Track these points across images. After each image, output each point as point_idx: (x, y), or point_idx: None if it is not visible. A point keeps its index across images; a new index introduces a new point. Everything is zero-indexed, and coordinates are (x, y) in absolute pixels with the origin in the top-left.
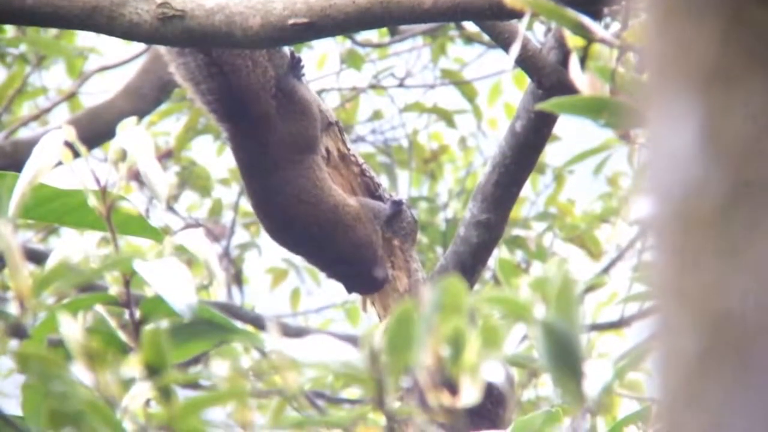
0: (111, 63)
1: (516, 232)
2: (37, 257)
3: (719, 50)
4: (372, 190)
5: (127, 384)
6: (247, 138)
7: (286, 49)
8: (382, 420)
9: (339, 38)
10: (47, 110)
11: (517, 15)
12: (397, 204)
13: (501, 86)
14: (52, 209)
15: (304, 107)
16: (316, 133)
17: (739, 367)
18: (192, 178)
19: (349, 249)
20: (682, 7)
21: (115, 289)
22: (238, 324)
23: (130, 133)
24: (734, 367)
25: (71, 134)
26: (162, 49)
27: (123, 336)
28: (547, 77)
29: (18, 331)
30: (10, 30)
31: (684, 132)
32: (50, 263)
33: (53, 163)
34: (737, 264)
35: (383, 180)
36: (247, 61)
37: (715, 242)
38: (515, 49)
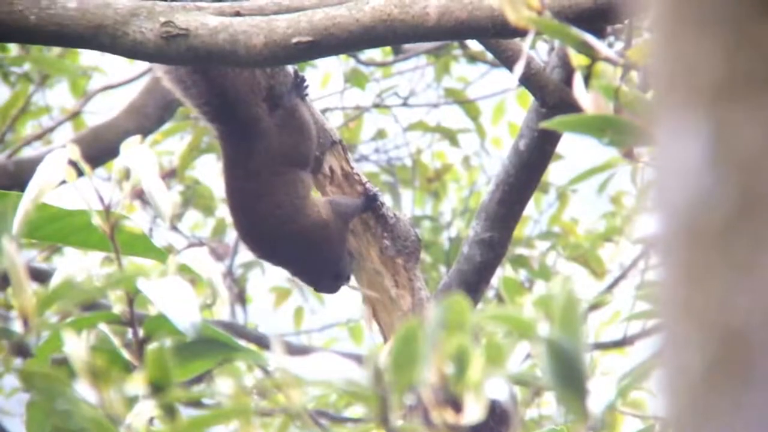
0: (115, 82)
1: (519, 251)
2: (40, 276)
3: (725, 66)
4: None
5: (131, 402)
6: (234, 138)
7: (290, 68)
8: None
9: (342, 57)
10: (51, 129)
11: (521, 33)
12: (372, 199)
13: (505, 105)
14: (57, 229)
15: (302, 125)
16: (307, 151)
17: (744, 384)
18: (196, 198)
19: (315, 264)
20: (687, 24)
21: (118, 308)
22: (242, 343)
23: (133, 152)
24: (740, 383)
25: (75, 153)
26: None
27: (127, 354)
28: (551, 96)
29: (22, 349)
30: (13, 49)
31: (691, 147)
32: (54, 282)
33: (57, 183)
34: (744, 279)
35: (387, 199)
36: None
37: (722, 257)
38: (519, 67)
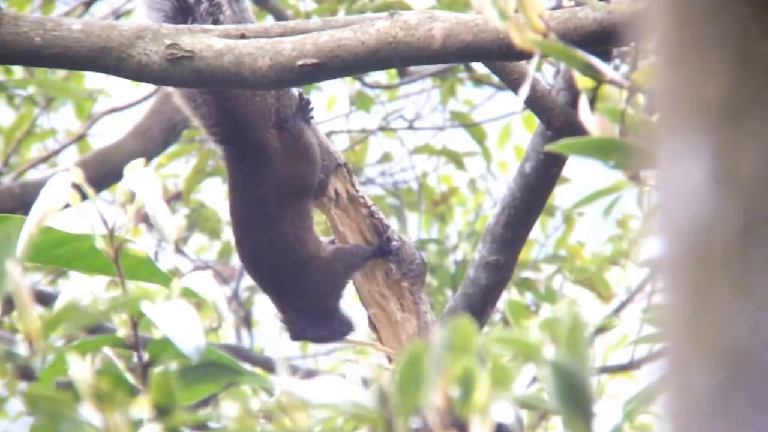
0: (120, 105)
1: (525, 274)
2: (45, 299)
3: (728, 88)
4: (380, 232)
5: (135, 426)
6: (242, 162)
7: (295, 91)
8: None
9: (348, 80)
10: (56, 152)
11: (527, 56)
12: (386, 250)
13: (511, 128)
14: (62, 254)
15: (308, 151)
16: (312, 177)
17: (750, 405)
18: (201, 221)
19: (308, 300)
20: (690, 47)
21: (123, 332)
22: (247, 366)
23: (138, 175)
24: (746, 404)
25: (79, 176)
26: None
27: (131, 378)
28: (557, 118)
29: (27, 373)
30: (18, 71)
31: (695, 169)
32: (59, 305)
33: (61, 206)
34: (749, 300)
35: (393, 222)
36: None
37: (727, 279)
38: (524, 90)
